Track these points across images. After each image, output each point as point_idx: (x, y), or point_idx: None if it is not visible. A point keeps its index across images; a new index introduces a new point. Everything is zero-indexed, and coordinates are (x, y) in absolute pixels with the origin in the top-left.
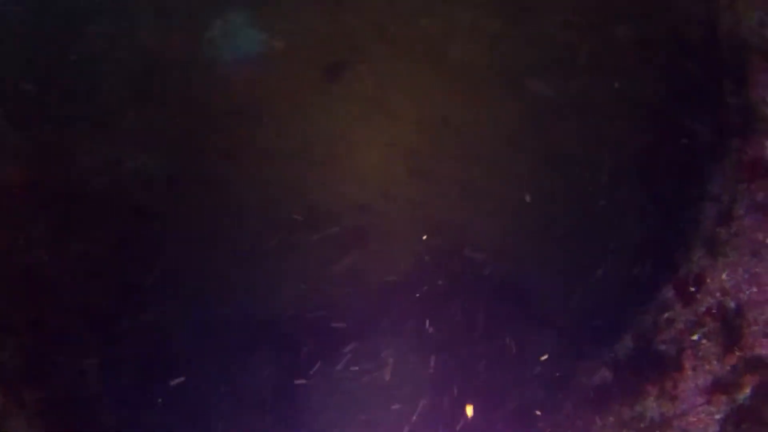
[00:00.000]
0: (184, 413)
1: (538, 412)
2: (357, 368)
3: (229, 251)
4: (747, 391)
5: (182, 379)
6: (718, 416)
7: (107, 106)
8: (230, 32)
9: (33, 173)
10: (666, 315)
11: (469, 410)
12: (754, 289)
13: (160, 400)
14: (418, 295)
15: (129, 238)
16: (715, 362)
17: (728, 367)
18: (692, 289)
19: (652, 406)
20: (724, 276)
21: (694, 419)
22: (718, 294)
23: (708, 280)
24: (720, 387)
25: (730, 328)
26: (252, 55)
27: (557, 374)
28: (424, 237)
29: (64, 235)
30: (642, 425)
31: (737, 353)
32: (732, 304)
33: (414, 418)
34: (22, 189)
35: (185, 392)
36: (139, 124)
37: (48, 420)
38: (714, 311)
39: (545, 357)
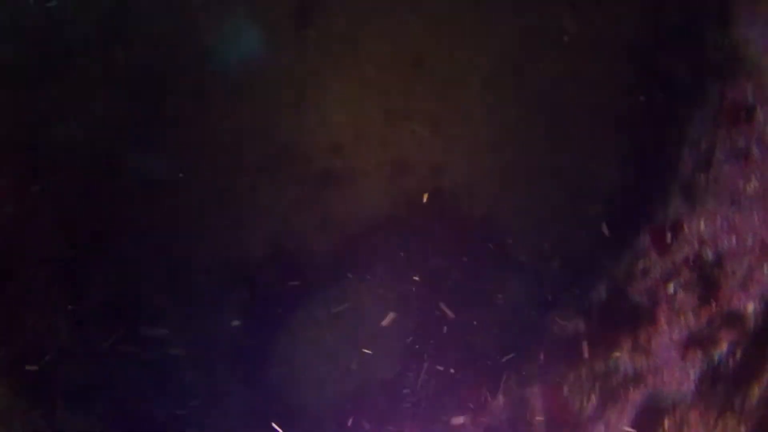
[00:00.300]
0: (156, 364)
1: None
2: (329, 312)
3: (199, 195)
4: (723, 347)
5: (158, 330)
6: (692, 373)
7: (68, 52)
8: None
9: None
10: (641, 264)
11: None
12: (733, 239)
13: (131, 350)
14: (391, 237)
15: (95, 184)
16: (691, 315)
17: (704, 321)
18: (669, 237)
19: (625, 359)
20: (701, 224)
21: (668, 376)
22: (695, 243)
23: (685, 229)
24: (695, 342)
25: (707, 279)
26: None
27: (530, 323)
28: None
29: (29, 185)
30: (615, 380)
31: (714, 307)
32: (710, 254)
33: (386, 363)
34: None
35: (156, 342)
36: (105, 66)
37: (15, 378)
38: (691, 261)
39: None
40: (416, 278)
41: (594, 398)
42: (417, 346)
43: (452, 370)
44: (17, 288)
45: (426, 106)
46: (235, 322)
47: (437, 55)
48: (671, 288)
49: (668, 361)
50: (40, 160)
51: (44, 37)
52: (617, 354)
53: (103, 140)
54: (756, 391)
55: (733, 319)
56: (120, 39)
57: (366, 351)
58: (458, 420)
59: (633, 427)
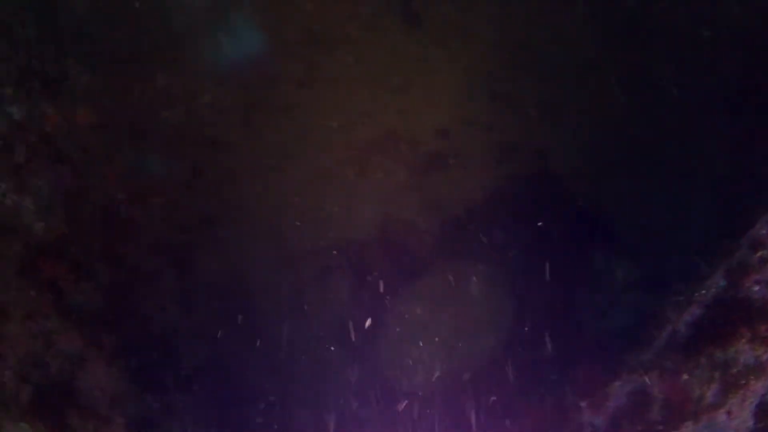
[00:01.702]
0: (263, 346)
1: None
2: (435, 295)
3: (304, 178)
4: None
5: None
6: None
7: (179, 42)
8: None
9: (107, 112)
10: (759, 253)
11: None
12: None
13: (237, 334)
14: (497, 220)
15: (204, 171)
16: None
17: None
18: None
19: (744, 349)
20: None
21: None
22: None
23: None
24: None
25: None
26: None
27: (644, 309)
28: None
29: (140, 171)
30: (735, 369)
31: None
32: None
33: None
34: (98, 128)
35: (262, 324)
36: (212, 57)
37: (127, 362)
38: None
39: None
40: (522, 259)
41: (714, 387)
42: (527, 328)
43: (569, 355)
44: (129, 274)
45: (532, 90)
46: (341, 305)
47: (543, 39)
48: None
49: None
50: (151, 149)
51: (159, 29)
52: (736, 344)
53: (211, 127)
54: None
55: None
56: (227, 29)
57: (476, 333)
58: (581, 403)
59: (755, 416)
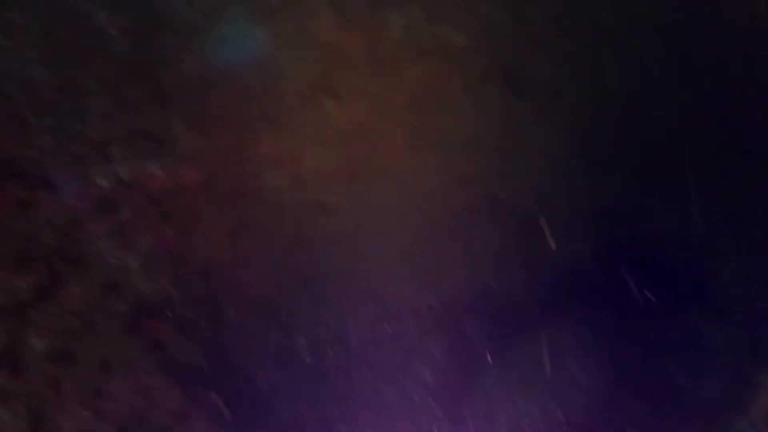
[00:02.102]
0: (362, 404)
1: None
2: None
3: (405, 240)
4: None
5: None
6: None
7: (284, 105)
8: None
9: (211, 173)
10: None
11: None
12: None
13: (338, 391)
14: (595, 284)
15: (308, 233)
16: None
17: None
18: None
19: None
20: None
21: None
22: None
23: None
24: None
25: None
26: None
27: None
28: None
29: (244, 232)
30: None
31: None
32: None
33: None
34: (201, 189)
35: (362, 384)
36: (316, 120)
37: (228, 418)
38: None
39: None
40: (618, 322)
41: None
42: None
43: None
44: (231, 333)
45: (633, 159)
46: (436, 368)
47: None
48: None
49: None
50: (255, 209)
51: (264, 92)
52: None
53: (316, 190)
54: None
55: None
56: (332, 92)
57: (571, 397)
58: None
59: None
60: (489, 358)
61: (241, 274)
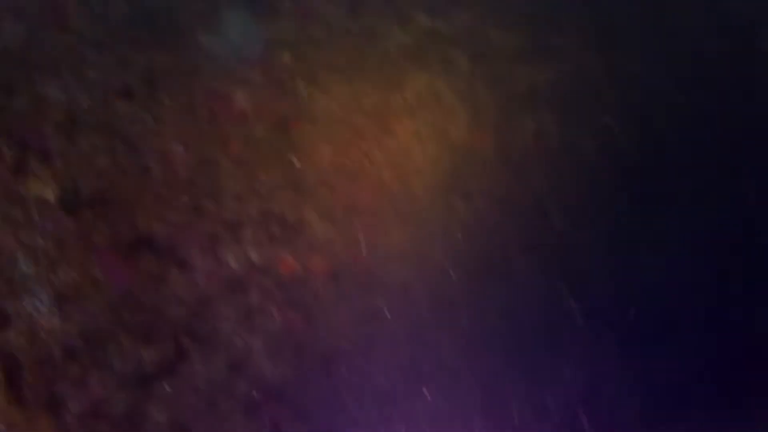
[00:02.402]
0: None
1: None
2: None
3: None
4: None
5: None
6: None
7: (415, 200)
8: None
9: (339, 262)
10: None
11: None
12: None
13: None
14: None
15: (431, 326)
16: None
17: None
18: None
19: None
20: None
21: None
22: None
23: None
24: None
25: None
26: None
27: None
28: None
29: (368, 322)
30: None
31: None
32: None
33: None
34: (329, 278)
35: None
36: (444, 217)
37: None
38: None
39: None
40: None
41: None
42: None
43: None
44: (347, 422)
45: None
46: None
47: None
48: None
49: None
50: (379, 302)
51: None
52: None
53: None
54: None
55: None
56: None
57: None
58: None
59: None
60: None
61: (362, 364)
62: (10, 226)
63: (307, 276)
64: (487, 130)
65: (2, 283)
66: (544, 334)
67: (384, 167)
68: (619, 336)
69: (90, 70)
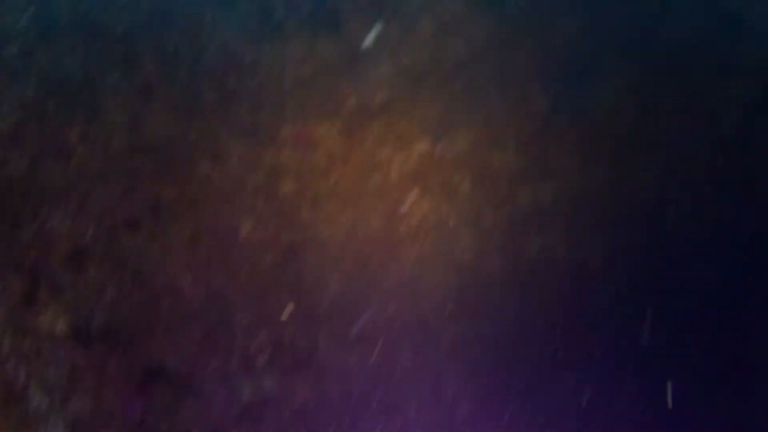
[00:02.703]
0: None
1: None
2: None
3: None
4: None
5: None
6: None
7: (422, 323)
8: None
9: (354, 390)
10: None
11: None
12: None
13: None
14: None
15: None
16: None
17: None
18: None
19: None
20: None
21: None
22: None
23: None
24: None
25: None
26: None
27: None
28: None
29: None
30: None
31: None
32: None
33: None
34: (344, 405)
35: None
36: (452, 337)
37: None
38: None
39: None
40: None
41: None
42: None
43: None
44: None
45: None
46: None
47: None
48: None
49: None
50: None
51: None
52: None
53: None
54: None
55: None
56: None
57: None
58: None
59: None
60: None
61: None
62: (22, 359)
63: (321, 404)
64: (493, 251)
65: (16, 416)
66: None
67: (390, 293)
68: None
69: (95, 201)
